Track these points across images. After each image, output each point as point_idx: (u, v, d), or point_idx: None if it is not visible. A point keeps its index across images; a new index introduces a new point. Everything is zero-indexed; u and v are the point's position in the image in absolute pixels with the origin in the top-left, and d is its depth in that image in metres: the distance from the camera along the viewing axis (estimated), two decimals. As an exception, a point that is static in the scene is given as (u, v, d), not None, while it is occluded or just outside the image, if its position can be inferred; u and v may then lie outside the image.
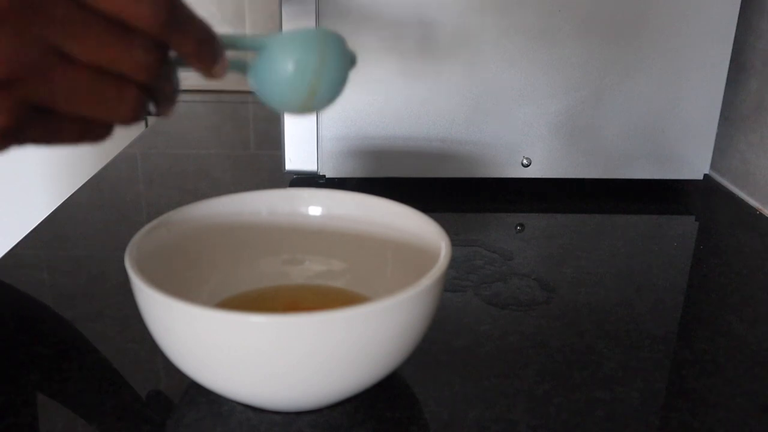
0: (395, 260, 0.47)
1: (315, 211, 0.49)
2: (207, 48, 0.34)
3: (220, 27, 1.43)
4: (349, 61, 0.37)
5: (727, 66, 0.71)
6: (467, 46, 0.68)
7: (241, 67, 0.36)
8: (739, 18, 0.69)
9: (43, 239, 0.62)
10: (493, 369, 0.45)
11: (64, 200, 0.70)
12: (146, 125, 1.18)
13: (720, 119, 0.73)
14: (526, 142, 0.72)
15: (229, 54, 0.34)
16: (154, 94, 0.32)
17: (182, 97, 1.20)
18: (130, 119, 0.31)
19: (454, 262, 0.58)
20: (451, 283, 0.55)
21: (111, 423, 0.39)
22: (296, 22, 0.66)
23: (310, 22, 0.66)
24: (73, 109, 0.30)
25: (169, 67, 0.33)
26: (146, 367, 0.44)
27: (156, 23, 0.30)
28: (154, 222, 0.43)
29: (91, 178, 0.77)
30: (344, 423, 0.39)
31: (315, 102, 0.36)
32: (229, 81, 1.29)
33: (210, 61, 0.34)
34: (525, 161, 0.73)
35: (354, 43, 0.68)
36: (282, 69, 0.35)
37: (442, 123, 0.71)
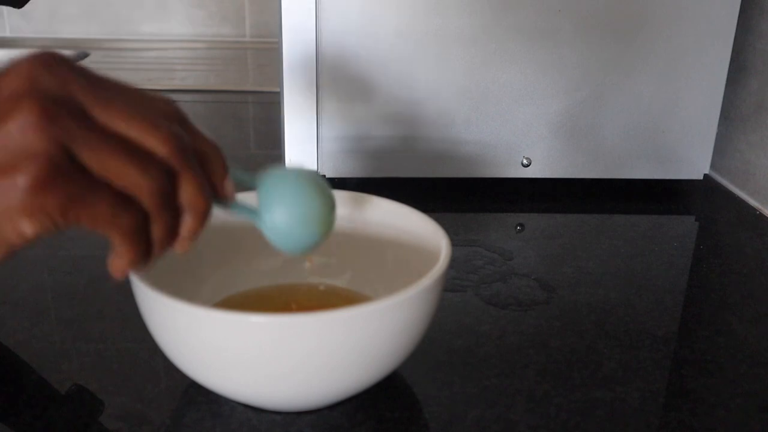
0: (395, 260, 0.47)
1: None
2: (218, 165, 0.35)
3: (221, 27, 1.43)
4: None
5: (727, 66, 0.71)
6: (467, 46, 0.68)
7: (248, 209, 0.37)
8: (739, 18, 0.69)
9: (43, 239, 0.62)
10: (493, 369, 0.45)
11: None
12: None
13: (720, 119, 0.73)
14: (526, 142, 0.72)
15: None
16: (157, 225, 0.32)
17: (182, 96, 1.20)
18: (128, 235, 0.31)
19: (454, 262, 0.58)
20: (451, 283, 0.55)
21: (111, 423, 0.39)
22: (296, 22, 0.66)
23: (310, 23, 0.66)
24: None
25: (177, 199, 0.33)
26: (146, 367, 0.44)
27: (171, 148, 0.31)
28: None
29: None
30: (344, 423, 0.39)
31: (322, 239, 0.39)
32: (229, 81, 1.29)
33: (221, 179, 0.35)
34: (525, 161, 0.73)
35: (354, 43, 0.68)
36: (299, 223, 0.37)
37: (442, 123, 0.71)
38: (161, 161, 0.31)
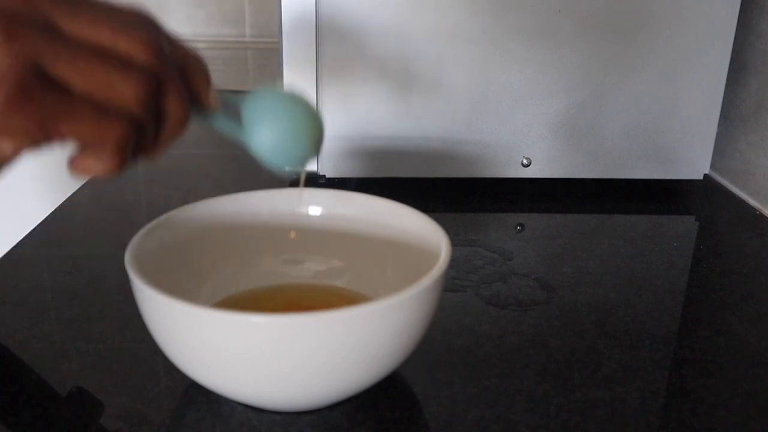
0: (395, 260, 0.47)
1: (315, 211, 0.49)
2: (200, 75, 0.34)
3: (221, 27, 1.43)
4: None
5: (727, 66, 0.71)
6: (467, 46, 0.68)
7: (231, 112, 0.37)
8: (739, 18, 0.69)
9: (43, 239, 0.62)
10: (493, 369, 0.45)
11: (64, 200, 0.70)
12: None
13: (720, 119, 0.73)
14: (526, 142, 0.72)
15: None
16: (143, 132, 0.32)
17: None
18: (117, 148, 0.30)
19: (454, 262, 0.58)
20: (451, 283, 0.55)
21: (111, 423, 0.39)
22: (296, 21, 0.66)
23: (310, 23, 0.66)
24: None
25: (158, 106, 0.32)
26: (146, 367, 0.44)
27: (148, 51, 0.30)
28: (154, 222, 0.43)
29: (91, 178, 0.77)
30: (344, 423, 0.39)
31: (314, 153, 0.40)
32: (229, 81, 1.29)
33: (204, 85, 0.34)
34: (525, 161, 0.73)
35: (353, 42, 0.68)
36: (287, 135, 0.37)
37: (442, 123, 0.71)
38: (140, 66, 0.30)
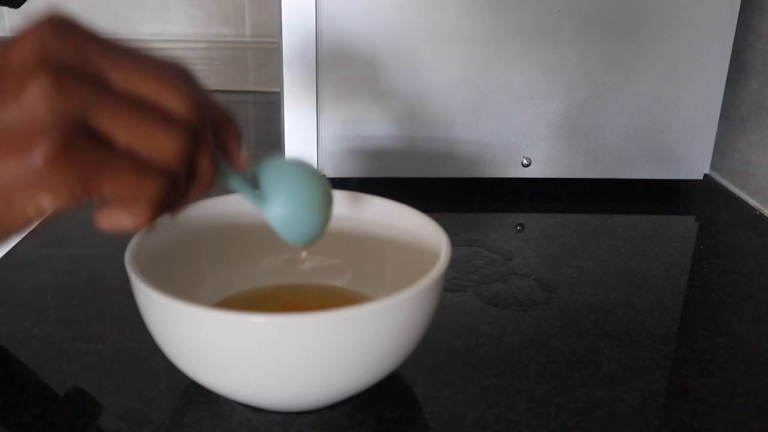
0: (395, 260, 0.47)
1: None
2: (233, 133, 0.34)
3: (221, 27, 1.43)
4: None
5: (727, 66, 0.71)
6: (467, 46, 0.68)
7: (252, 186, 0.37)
8: (739, 18, 0.69)
9: (43, 239, 0.62)
10: (493, 369, 0.45)
11: (64, 200, 0.70)
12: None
13: (720, 119, 0.73)
14: (526, 142, 0.72)
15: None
16: (175, 188, 0.31)
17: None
18: (152, 204, 0.30)
19: (454, 262, 0.58)
20: (451, 283, 0.55)
21: (111, 423, 0.39)
22: (296, 22, 0.66)
23: (310, 23, 0.66)
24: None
25: (192, 163, 0.32)
26: (146, 367, 0.44)
27: (191, 108, 0.30)
28: (155, 221, 0.43)
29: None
30: (344, 423, 0.39)
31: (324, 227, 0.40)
32: (229, 81, 1.29)
33: (236, 145, 0.34)
34: (525, 161, 0.73)
35: (353, 43, 0.68)
36: (303, 214, 0.38)
37: (442, 123, 0.71)
38: (182, 121, 0.30)
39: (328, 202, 0.40)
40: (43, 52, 0.27)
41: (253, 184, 0.37)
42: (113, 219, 0.31)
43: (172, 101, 0.29)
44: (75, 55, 0.28)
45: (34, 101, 0.26)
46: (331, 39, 0.67)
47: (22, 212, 0.28)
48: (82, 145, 0.27)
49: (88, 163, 0.28)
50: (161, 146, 0.29)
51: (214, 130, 0.32)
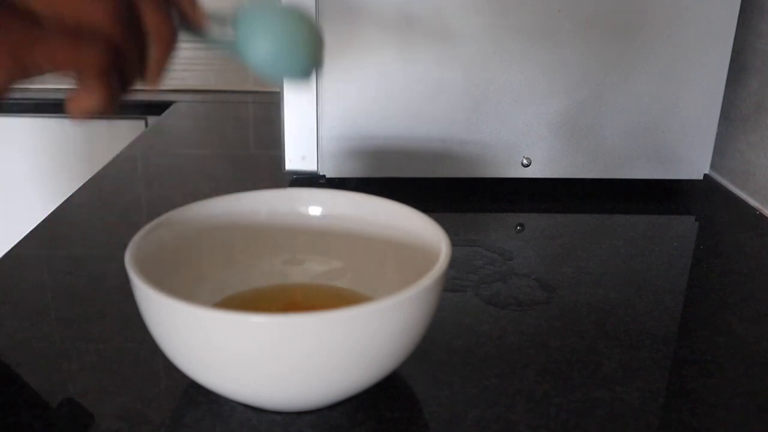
0: (395, 260, 0.47)
1: (315, 211, 0.49)
2: None
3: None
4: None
5: (727, 66, 0.71)
6: (467, 46, 0.68)
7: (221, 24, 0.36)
8: (739, 18, 0.69)
9: (43, 239, 0.62)
10: (493, 369, 0.45)
11: (64, 200, 0.70)
12: (146, 125, 1.18)
13: (720, 119, 0.73)
14: (526, 142, 0.72)
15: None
16: (127, 54, 0.30)
17: (182, 96, 1.21)
18: (99, 73, 0.29)
19: (454, 262, 0.58)
20: (451, 283, 0.55)
21: (111, 423, 0.39)
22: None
23: (310, 12, 0.66)
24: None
25: (138, 25, 0.31)
26: (146, 367, 0.44)
27: None
28: (154, 222, 0.43)
29: (91, 178, 0.78)
30: (344, 423, 0.39)
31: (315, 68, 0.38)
32: (229, 81, 1.29)
33: (193, 8, 0.33)
34: (525, 161, 0.73)
35: (353, 42, 0.68)
36: (285, 46, 0.36)
37: (442, 123, 0.71)
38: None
39: (312, 37, 0.37)
40: None
41: (231, 35, 0.35)
42: (76, 103, 0.30)
43: None
44: None
45: None
46: (331, 39, 0.67)
47: None
48: (6, 22, 0.27)
49: (13, 37, 0.27)
50: (88, 11, 0.28)
51: None
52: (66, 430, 0.39)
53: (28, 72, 0.28)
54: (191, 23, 0.34)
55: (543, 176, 0.74)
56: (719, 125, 0.74)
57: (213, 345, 0.35)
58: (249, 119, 1.10)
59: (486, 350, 0.47)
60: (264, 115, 1.10)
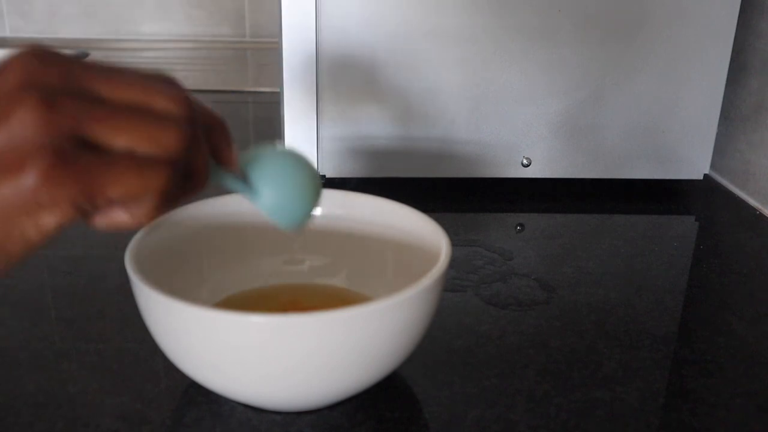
0: (395, 260, 0.47)
1: (315, 211, 0.49)
2: (223, 134, 0.34)
3: (220, 27, 1.43)
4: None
5: (727, 66, 0.71)
6: (467, 46, 0.68)
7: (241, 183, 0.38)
8: (739, 18, 0.69)
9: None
10: (493, 369, 0.45)
11: (64, 200, 0.70)
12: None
13: (720, 119, 0.73)
14: (526, 142, 0.72)
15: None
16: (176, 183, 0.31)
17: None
18: (160, 197, 0.30)
19: (454, 262, 0.58)
20: (451, 283, 0.55)
21: (111, 423, 0.39)
22: (296, 22, 0.66)
23: (310, 23, 0.66)
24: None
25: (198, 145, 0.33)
26: (146, 367, 0.44)
27: (184, 105, 0.30)
28: (154, 222, 0.43)
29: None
30: (344, 423, 0.39)
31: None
32: (229, 81, 1.29)
33: (227, 144, 0.34)
34: (525, 161, 0.73)
35: (353, 43, 0.68)
36: (292, 200, 0.39)
37: (442, 123, 0.71)
38: (178, 117, 0.30)
39: (315, 186, 0.40)
40: (28, 76, 0.27)
41: (242, 176, 0.37)
42: (112, 219, 0.31)
43: (164, 102, 0.29)
44: (60, 77, 0.28)
45: (22, 123, 0.26)
46: (331, 39, 0.67)
47: (22, 235, 0.28)
48: (78, 156, 0.27)
49: (88, 171, 0.27)
50: (161, 140, 0.29)
51: (204, 129, 0.32)
52: (66, 430, 0.39)
53: (93, 207, 0.29)
54: (222, 163, 0.35)
55: (543, 176, 0.74)
56: (719, 125, 0.74)
57: (213, 345, 0.35)
58: (249, 119, 1.10)
59: (486, 350, 0.47)
60: (264, 115, 1.10)
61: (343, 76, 0.69)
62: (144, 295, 0.36)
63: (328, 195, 0.49)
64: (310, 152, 0.71)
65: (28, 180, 0.27)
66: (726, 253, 0.64)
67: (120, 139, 0.28)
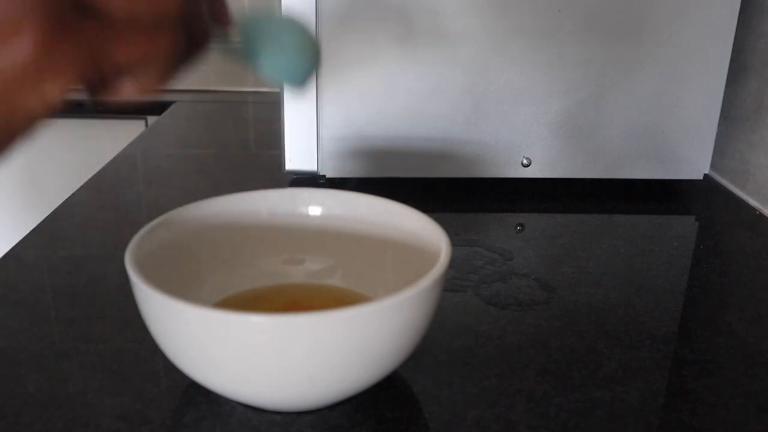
0: (395, 260, 0.47)
1: (315, 211, 0.49)
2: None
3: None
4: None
5: (727, 66, 0.71)
6: (467, 46, 0.68)
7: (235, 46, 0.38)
8: (739, 18, 0.69)
9: (43, 239, 0.62)
10: (493, 369, 0.45)
11: (64, 200, 0.70)
12: (146, 125, 1.18)
13: (720, 119, 0.73)
14: (526, 142, 0.72)
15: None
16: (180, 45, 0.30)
17: (182, 96, 1.21)
18: (168, 62, 0.29)
19: (454, 262, 0.58)
20: (451, 283, 0.55)
21: (111, 423, 0.39)
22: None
23: (310, 23, 0.66)
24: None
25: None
26: (146, 367, 0.44)
27: None
28: (154, 222, 0.43)
29: (91, 178, 0.78)
30: (344, 423, 0.39)
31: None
32: (229, 81, 1.29)
33: (223, 6, 0.34)
34: (525, 161, 0.73)
35: (353, 41, 0.68)
36: (293, 63, 0.39)
37: (442, 123, 0.71)
38: None
39: (313, 45, 0.40)
40: None
41: (241, 38, 0.38)
42: (118, 90, 0.29)
43: None
44: None
45: None
46: (331, 38, 0.67)
47: (26, 108, 0.26)
48: (77, 19, 0.26)
49: (91, 36, 0.26)
50: (162, 1, 0.28)
51: None
52: (66, 430, 0.39)
53: (100, 72, 0.27)
54: (219, 21, 0.34)
55: (543, 176, 0.74)
56: (719, 125, 0.74)
57: (213, 345, 0.35)
58: (249, 119, 1.10)
59: (486, 350, 0.47)
60: (264, 115, 1.10)
61: (343, 75, 0.69)
62: (144, 295, 0.36)
63: (329, 195, 0.49)
64: (310, 152, 0.71)
65: (25, 48, 0.25)
66: (726, 253, 0.64)
67: (119, 6, 0.27)
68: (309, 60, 0.39)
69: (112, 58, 0.27)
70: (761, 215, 0.72)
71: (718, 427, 0.40)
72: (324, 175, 0.73)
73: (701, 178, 0.75)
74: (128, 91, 0.29)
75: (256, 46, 0.37)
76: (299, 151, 0.71)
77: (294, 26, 0.39)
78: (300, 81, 0.39)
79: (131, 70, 0.29)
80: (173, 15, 0.28)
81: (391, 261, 0.47)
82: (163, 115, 1.10)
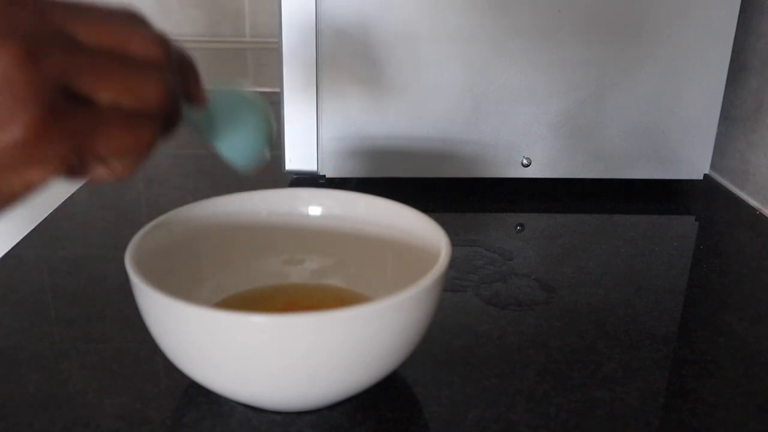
0: (395, 260, 0.47)
1: (315, 211, 0.49)
2: (193, 72, 0.34)
3: (220, 27, 1.43)
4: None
5: (727, 66, 0.71)
6: (467, 46, 0.68)
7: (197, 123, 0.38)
8: (739, 18, 0.69)
9: (43, 239, 0.62)
10: (493, 369, 0.45)
11: (64, 200, 0.70)
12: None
13: (720, 119, 0.73)
14: (526, 142, 0.72)
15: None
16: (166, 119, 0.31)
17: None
18: (146, 152, 0.30)
19: (454, 262, 0.58)
20: (451, 283, 0.55)
21: (111, 423, 0.39)
22: (296, 21, 0.66)
23: (310, 23, 0.66)
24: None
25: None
26: (146, 367, 0.44)
27: (161, 50, 0.29)
28: (154, 222, 0.43)
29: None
30: (344, 423, 0.39)
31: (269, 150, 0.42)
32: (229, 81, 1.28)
33: (197, 83, 0.34)
34: (525, 161, 0.73)
35: (353, 42, 0.68)
36: (248, 142, 0.40)
37: (442, 123, 0.71)
38: (157, 65, 0.29)
39: (268, 124, 0.41)
40: (3, 22, 0.25)
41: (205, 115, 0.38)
42: (93, 175, 0.30)
43: (142, 45, 0.29)
44: (35, 19, 0.26)
45: (5, 74, 0.25)
46: (331, 39, 0.67)
47: (8, 189, 0.27)
48: (66, 111, 0.26)
49: (77, 127, 0.27)
50: (145, 93, 0.28)
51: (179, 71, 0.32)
52: (66, 430, 0.39)
53: (83, 162, 0.28)
54: (192, 102, 0.34)
55: (543, 176, 0.74)
56: (719, 125, 0.74)
57: (213, 345, 0.35)
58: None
59: (486, 350, 0.47)
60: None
61: (343, 75, 0.69)
62: (144, 295, 0.36)
63: (328, 195, 0.49)
64: (310, 152, 0.71)
65: (15, 134, 0.25)
66: (726, 253, 0.64)
67: (104, 91, 0.27)
68: (262, 142, 0.40)
69: (96, 149, 0.28)
70: (761, 215, 0.72)
71: (718, 427, 0.40)
72: (324, 175, 0.72)
73: (701, 178, 0.75)
74: (103, 176, 0.30)
75: (216, 126, 0.38)
76: (299, 151, 0.71)
77: (250, 106, 0.40)
78: (252, 161, 0.40)
79: (110, 158, 0.30)
80: (157, 110, 0.29)
81: (391, 261, 0.47)
82: (163, 115, 1.10)
